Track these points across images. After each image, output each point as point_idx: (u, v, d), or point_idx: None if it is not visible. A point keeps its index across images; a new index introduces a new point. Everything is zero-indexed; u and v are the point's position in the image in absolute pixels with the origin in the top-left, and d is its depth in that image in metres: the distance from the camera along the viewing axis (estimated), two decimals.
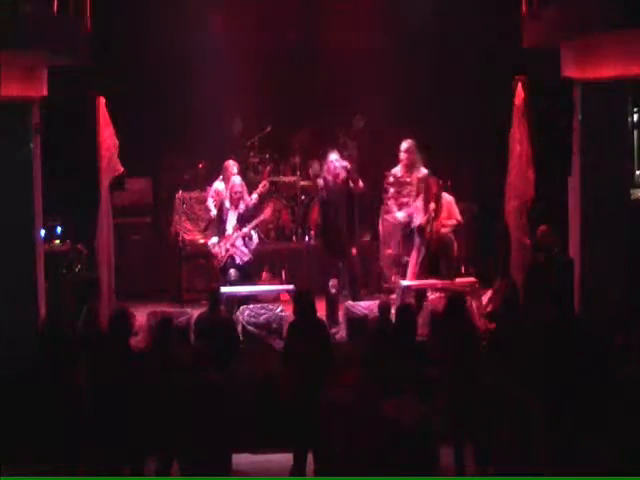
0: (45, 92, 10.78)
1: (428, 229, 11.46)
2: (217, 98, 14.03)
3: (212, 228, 12.30)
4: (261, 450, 9.80)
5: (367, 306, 11.20)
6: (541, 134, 11.60)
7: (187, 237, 13.60)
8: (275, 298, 12.41)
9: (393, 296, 11.60)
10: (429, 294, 11.69)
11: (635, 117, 12.81)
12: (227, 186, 12.23)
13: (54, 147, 11.40)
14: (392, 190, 12.50)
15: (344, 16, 14.60)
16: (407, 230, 12.05)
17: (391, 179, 12.48)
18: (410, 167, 12.31)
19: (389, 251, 12.78)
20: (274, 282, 13.16)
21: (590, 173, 10.69)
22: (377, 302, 10.68)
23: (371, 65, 14.20)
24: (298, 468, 9.09)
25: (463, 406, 8.63)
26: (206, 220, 13.33)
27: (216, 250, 11.91)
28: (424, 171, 12.18)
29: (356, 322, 11.11)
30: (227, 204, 11.97)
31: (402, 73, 14.11)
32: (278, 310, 11.24)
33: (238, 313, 11.21)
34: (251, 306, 11.33)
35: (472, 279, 11.62)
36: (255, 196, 12.10)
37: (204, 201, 13.26)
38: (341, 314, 11.48)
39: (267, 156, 14.67)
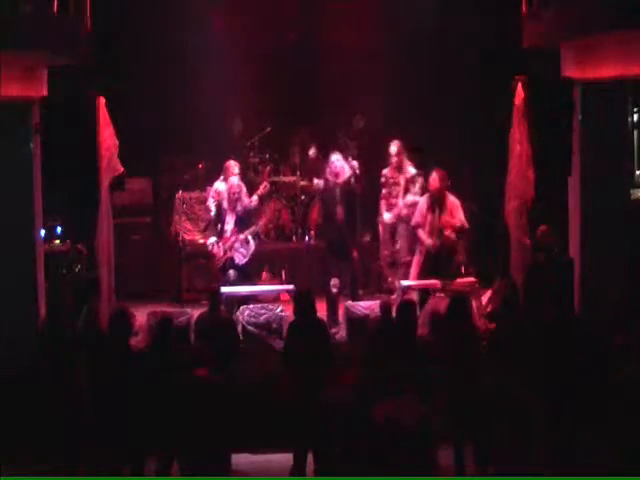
0: (45, 92, 10.78)
1: (428, 229, 11.50)
2: (217, 98, 14.03)
3: (212, 228, 12.30)
4: (261, 450, 9.79)
5: (367, 306, 11.21)
6: (541, 134, 11.60)
7: (187, 237, 13.61)
8: (275, 298, 12.41)
9: (393, 296, 11.61)
10: (430, 294, 11.70)
11: (635, 117, 12.81)
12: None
13: (54, 147, 11.39)
14: (384, 191, 12.72)
15: (344, 16, 14.62)
16: (394, 230, 12.44)
17: (383, 180, 12.69)
18: (399, 168, 12.57)
19: (385, 251, 12.85)
20: (274, 282, 13.16)
21: (590, 173, 10.69)
22: (377, 302, 10.70)
23: (371, 65, 14.21)
24: (298, 468, 9.08)
25: (463, 406, 8.63)
26: (206, 220, 13.32)
27: (215, 250, 11.92)
28: (412, 171, 12.48)
29: (356, 322, 11.12)
30: (225, 204, 11.97)
31: (402, 73, 14.11)
32: (278, 310, 11.24)
33: (238, 313, 11.21)
34: (251, 306, 11.34)
35: (472, 279, 11.61)
36: (255, 198, 12.10)
37: (204, 201, 13.26)
38: (341, 314, 11.49)
39: (267, 156, 14.68)
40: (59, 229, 12.20)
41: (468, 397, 8.62)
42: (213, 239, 11.98)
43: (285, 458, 9.27)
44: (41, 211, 10.87)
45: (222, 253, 11.85)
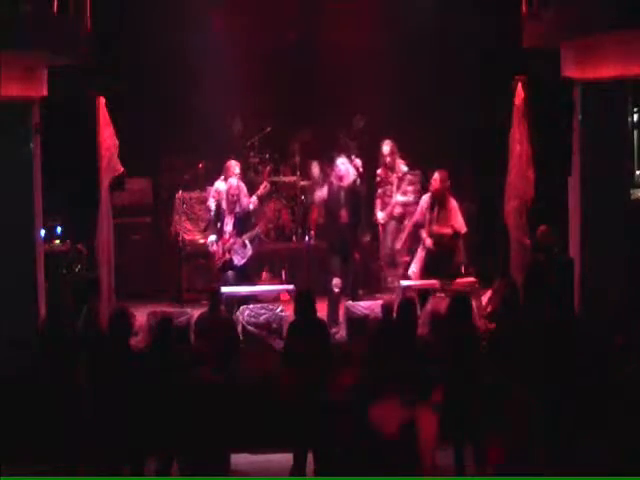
0: (45, 92, 10.78)
1: (427, 228, 11.51)
2: (217, 98, 14.02)
3: (212, 227, 12.30)
4: (261, 450, 9.79)
5: (367, 306, 11.22)
6: (541, 134, 11.60)
7: (187, 237, 13.61)
8: (275, 298, 12.41)
9: (393, 296, 11.60)
10: (430, 294, 11.70)
11: (635, 117, 12.82)
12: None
13: (54, 147, 11.40)
14: (379, 190, 12.89)
15: (344, 16, 14.61)
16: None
17: (378, 179, 12.84)
18: (391, 168, 12.74)
19: (384, 251, 12.90)
20: (274, 282, 13.17)
21: (590, 173, 10.69)
22: (377, 302, 10.72)
23: (371, 65, 14.20)
24: (298, 468, 9.08)
25: (463, 406, 8.63)
26: (206, 220, 13.33)
27: (214, 249, 11.92)
28: (404, 169, 12.68)
29: (356, 322, 11.12)
30: (224, 205, 11.96)
31: (402, 73, 14.10)
32: (278, 310, 11.24)
33: (238, 313, 11.21)
34: (251, 306, 11.34)
35: (472, 279, 11.62)
36: (254, 198, 12.10)
37: (204, 201, 13.27)
38: (341, 314, 11.50)
39: (267, 156, 14.68)
40: (59, 229, 12.20)
41: (468, 397, 8.62)
42: (213, 237, 11.98)
43: (285, 458, 9.26)
44: (41, 211, 10.87)
45: (221, 253, 11.85)
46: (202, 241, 13.19)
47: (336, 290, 11.55)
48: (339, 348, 9.99)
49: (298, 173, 14.45)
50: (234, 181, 12.01)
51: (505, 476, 7.61)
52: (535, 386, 8.30)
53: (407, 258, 12.30)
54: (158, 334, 8.98)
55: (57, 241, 12.12)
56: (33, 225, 10.70)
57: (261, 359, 10.56)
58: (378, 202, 12.82)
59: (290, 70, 14.86)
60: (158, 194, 14.40)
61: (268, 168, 14.34)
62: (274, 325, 11.11)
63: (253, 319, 11.15)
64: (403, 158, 12.82)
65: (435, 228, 11.47)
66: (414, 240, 12.01)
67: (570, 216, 11.00)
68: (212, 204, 12.54)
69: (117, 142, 11.75)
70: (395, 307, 9.67)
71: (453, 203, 11.57)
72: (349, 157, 12.36)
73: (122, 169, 11.88)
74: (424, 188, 12.28)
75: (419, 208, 11.72)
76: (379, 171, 12.83)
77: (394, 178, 12.75)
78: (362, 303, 11.41)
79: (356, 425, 7.37)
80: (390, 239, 12.79)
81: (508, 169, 11.60)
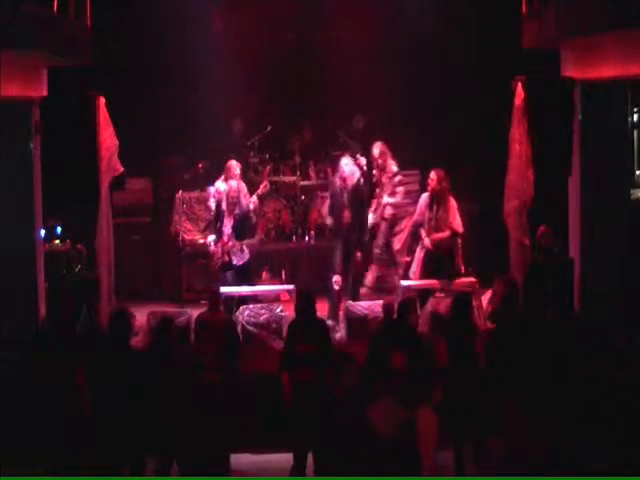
0: (45, 92, 10.79)
1: (426, 227, 11.52)
2: (217, 98, 14.03)
3: (211, 227, 12.30)
4: (261, 450, 9.80)
5: (367, 306, 11.22)
6: (541, 134, 11.60)
7: (187, 237, 13.61)
8: (275, 298, 12.41)
9: (393, 296, 11.60)
10: (430, 294, 11.70)
11: (635, 117, 12.82)
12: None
13: (54, 147, 11.40)
14: (377, 191, 12.86)
15: (344, 16, 14.62)
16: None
17: (374, 180, 12.84)
18: (383, 169, 12.72)
19: (376, 250, 12.91)
20: (274, 282, 13.16)
21: (590, 173, 10.69)
22: (377, 302, 10.71)
23: (371, 65, 14.20)
24: (298, 468, 9.09)
25: (463, 406, 8.63)
26: (206, 220, 13.33)
27: (213, 249, 11.91)
28: (394, 169, 12.65)
29: (356, 322, 11.12)
30: (224, 206, 11.95)
31: (402, 73, 14.11)
32: (278, 310, 11.24)
33: (238, 313, 11.21)
34: (251, 306, 11.34)
35: (472, 279, 11.61)
36: (254, 198, 12.10)
37: (204, 201, 13.27)
38: (341, 314, 11.49)
39: (267, 156, 14.67)
40: (59, 229, 12.20)
41: (468, 397, 8.62)
42: (213, 237, 11.98)
43: (285, 458, 9.27)
44: (41, 211, 10.87)
45: (220, 253, 11.84)
46: (202, 241, 13.19)
47: (336, 287, 11.55)
48: (339, 348, 9.99)
49: (298, 173, 14.45)
50: (234, 183, 11.99)
51: (505, 476, 7.62)
52: (535, 386, 8.30)
53: (407, 258, 12.30)
54: (158, 334, 8.98)
55: (57, 241, 12.12)
56: (33, 225, 10.71)
57: (261, 359, 10.55)
58: (374, 203, 12.79)
59: (290, 70, 14.85)
60: (158, 194, 14.40)
61: (268, 168, 14.33)
62: (274, 325, 11.11)
63: (253, 319, 11.15)
64: (396, 158, 12.75)
65: (433, 236, 11.45)
66: (414, 240, 12.01)
67: (570, 216, 11.01)
68: (212, 203, 12.54)
69: (117, 142, 11.75)
70: (395, 307, 9.67)
71: (452, 202, 11.57)
72: (353, 156, 12.36)
73: (122, 169, 11.89)
74: (423, 188, 12.28)
75: (418, 208, 11.72)
76: (374, 172, 12.82)
77: (385, 179, 12.74)
78: (362, 303, 11.40)
79: (356, 425, 7.36)
80: (381, 240, 12.76)
81: (508, 169, 11.60)
